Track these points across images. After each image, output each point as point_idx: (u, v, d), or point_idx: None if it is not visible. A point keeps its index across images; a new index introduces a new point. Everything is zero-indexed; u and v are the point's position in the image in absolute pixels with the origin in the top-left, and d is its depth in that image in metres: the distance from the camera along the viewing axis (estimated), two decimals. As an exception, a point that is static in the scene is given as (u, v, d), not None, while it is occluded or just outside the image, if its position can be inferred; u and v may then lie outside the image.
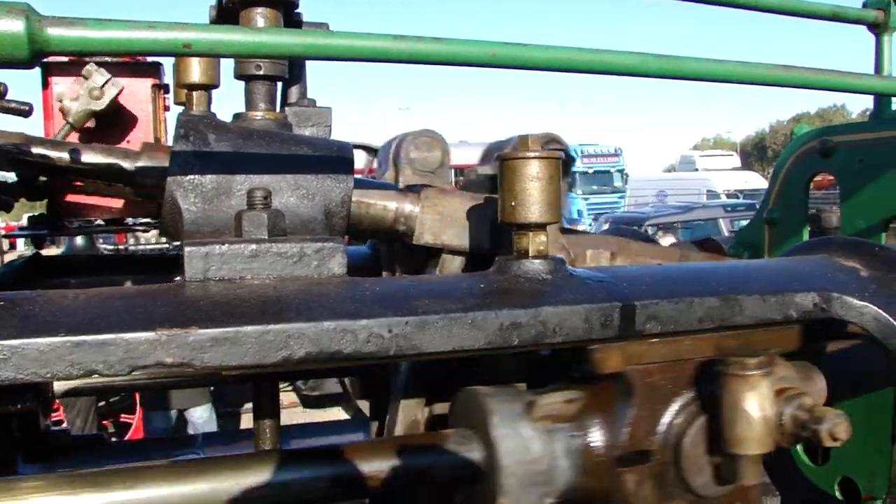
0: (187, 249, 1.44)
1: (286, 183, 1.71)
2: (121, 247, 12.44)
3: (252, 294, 1.38)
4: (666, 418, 1.63)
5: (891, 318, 1.75)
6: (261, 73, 1.87)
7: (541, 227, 1.56)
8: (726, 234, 20.04)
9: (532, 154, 1.54)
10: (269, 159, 1.72)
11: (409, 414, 2.04)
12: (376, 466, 1.50)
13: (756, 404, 1.50)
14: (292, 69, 2.19)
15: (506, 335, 1.40)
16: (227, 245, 1.45)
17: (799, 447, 3.79)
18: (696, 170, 52.09)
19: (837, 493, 3.52)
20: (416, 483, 1.57)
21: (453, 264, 1.99)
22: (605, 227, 20.70)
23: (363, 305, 1.36)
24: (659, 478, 1.63)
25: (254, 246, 1.46)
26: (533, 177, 1.54)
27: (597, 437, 1.61)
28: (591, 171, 41.21)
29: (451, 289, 1.46)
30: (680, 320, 1.55)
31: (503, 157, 1.57)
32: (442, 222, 1.97)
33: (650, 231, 21.04)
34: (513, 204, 1.55)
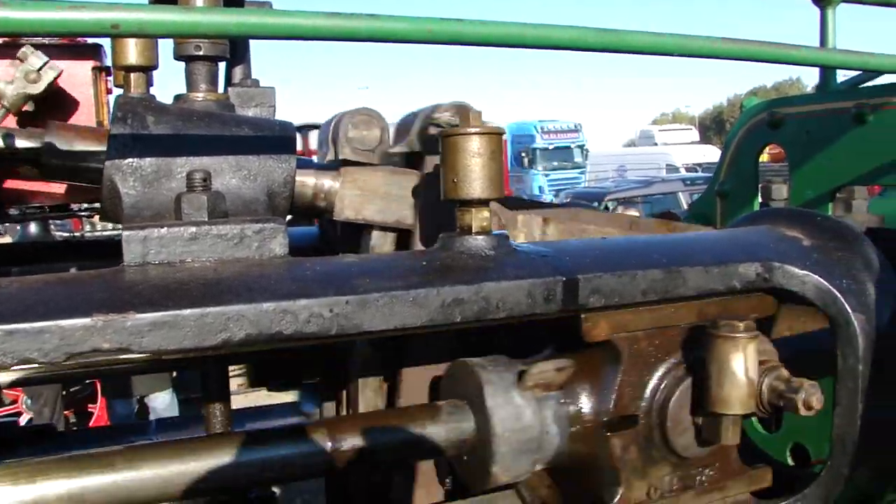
0: (125, 234, 1.42)
1: (227, 164, 1.70)
2: (77, 234, 12.25)
3: (191, 277, 1.36)
4: (652, 383, 1.69)
5: (831, 286, 1.78)
6: (200, 53, 1.84)
7: (483, 203, 1.56)
8: (685, 207, 20.19)
9: (473, 130, 1.54)
10: (209, 141, 1.70)
11: (370, 391, 2.04)
12: (371, 439, 1.53)
13: (742, 366, 1.55)
14: (235, 49, 2.16)
15: (448, 312, 1.40)
16: (165, 228, 1.43)
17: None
18: (656, 144, 52.36)
19: (789, 459, 3.60)
20: (413, 454, 1.63)
21: (385, 241, 1.99)
22: (567, 202, 20.74)
23: (304, 286, 1.35)
24: (645, 441, 1.68)
25: (193, 228, 1.44)
26: (474, 153, 1.53)
27: (585, 403, 1.66)
28: (551, 147, 41.29)
29: (392, 267, 1.46)
30: (623, 293, 1.56)
31: (444, 133, 1.56)
32: (362, 197, 1.95)
33: (611, 206, 21.15)
34: (454, 180, 1.54)
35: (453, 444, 1.59)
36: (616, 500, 1.65)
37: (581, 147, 42.78)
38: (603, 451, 1.64)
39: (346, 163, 1.98)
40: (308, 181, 1.92)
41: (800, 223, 1.96)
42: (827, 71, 3.50)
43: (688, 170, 35.94)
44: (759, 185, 4.33)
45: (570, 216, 2.19)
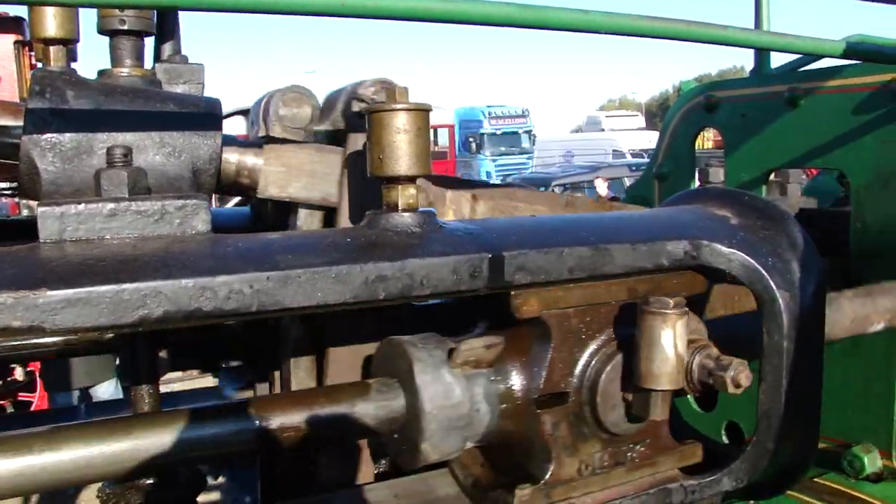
0: (41, 210, 1.38)
1: (151, 141, 1.66)
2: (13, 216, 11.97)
3: (109, 253, 1.33)
4: (582, 360, 1.70)
5: (756, 264, 1.81)
6: (125, 27, 1.80)
7: (410, 179, 1.55)
8: (631, 192, 20.41)
9: (399, 106, 1.53)
10: (132, 116, 1.66)
11: (302, 371, 2.02)
12: (299, 418, 1.52)
13: (671, 341, 1.57)
14: (164, 24, 2.12)
15: (371, 289, 1.39)
16: (83, 205, 1.39)
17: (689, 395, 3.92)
18: (603, 130, 52.88)
19: (724, 437, 3.66)
20: (342, 433, 1.61)
21: (313, 220, 1.97)
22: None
23: (224, 262, 1.33)
24: (575, 418, 1.70)
25: (112, 205, 1.41)
26: (400, 129, 1.52)
27: (515, 380, 1.67)
28: (498, 132, 41.47)
29: (316, 243, 1.44)
30: (550, 270, 1.57)
31: (370, 109, 1.55)
32: (287, 174, 1.93)
33: (557, 191, 21.30)
34: (380, 157, 1.53)
35: (383, 422, 1.58)
36: (547, 476, 1.66)
37: (528, 132, 43.02)
38: (533, 428, 1.65)
39: (271, 140, 1.95)
40: (231, 158, 1.89)
41: (729, 203, 1.99)
42: (761, 55, 3.55)
43: (634, 155, 36.39)
44: (697, 169, 4.39)
45: (504, 194, 2.19)
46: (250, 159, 1.90)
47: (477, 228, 1.57)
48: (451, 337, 1.68)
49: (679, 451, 1.86)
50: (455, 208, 2.06)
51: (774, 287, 1.80)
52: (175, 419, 1.51)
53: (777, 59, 3.63)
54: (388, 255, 1.42)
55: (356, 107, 1.92)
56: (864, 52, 2.27)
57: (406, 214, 1.54)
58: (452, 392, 1.58)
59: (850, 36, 3.12)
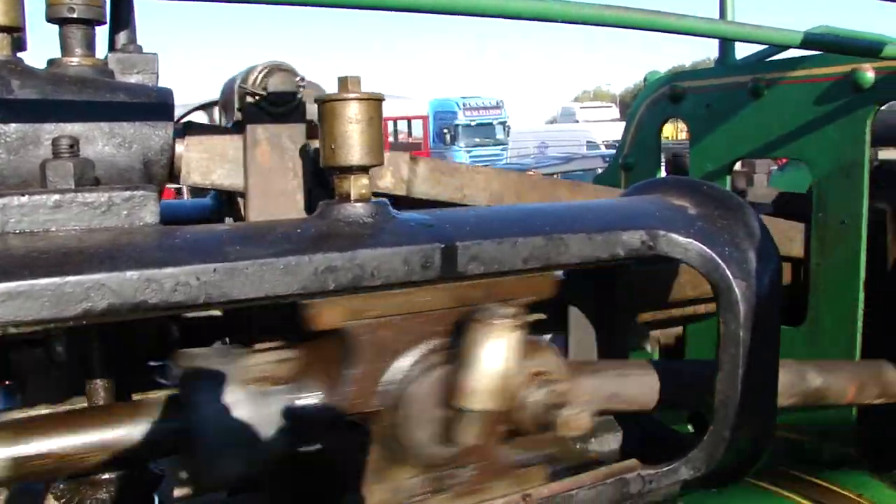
0: None
1: (100, 131, 1.64)
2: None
3: (53, 246, 1.31)
4: (394, 376, 1.59)
5: (713, 254, 1.81)
6: (74, 15, 1.77)
7: (363, 170, 1.54)
8: (604, 183, 20.47)
9: (351, 96, 1.51)
10: (81, 107, 1.63)
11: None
12: (58, 444, 1.42)
13: (497, 355, 1.48)
14: (118, 13, 2.08)
15: (321, 280, 1.37)
16: (27, 196, 1.37)
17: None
18: (577, 121, 52.93)
19: (689, 427, 3.68)
20: (113, 459, 1.48)
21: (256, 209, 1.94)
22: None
23: (171, 254, 1.31)
24: (384, 441, 1.59)
25: (57, 196, 1.38)
26: (352, 119, 1.50)
27: (314, 399, 1.56)
28: (473, 123, 41.41)
29: (266, 235, 1.42)
30: (504, 260, 1.56)
31: (321, 99, 1.53)
32: (210, 161, 1.89)
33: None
34: (332, 147, 1.51)
35: (163, 443, 1.49)
36: None
37: (503, 124, 42.99)
38: (339, 449, 1.57)
39: (191, 126, 1.92)
40: None
41: (687, 192, 1.99)
42: (726, 45, 3.55)
43: (608, 147, 36.43)
44: (665, 159, 4.40)
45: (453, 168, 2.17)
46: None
47: (431, 219, 1.56)
48: (248, 349, 1.59)
49: (517, 474, 1.77)
50: (393, 169, 2.03)
51: (731, 276, 1.81)
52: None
53: (744, 51, 3.64)
54: (339, 245, 1.41)
55: (245, 94, 1.88)
56: (822, 43, 2.28)
57: (359, 205, 1.52)
58: (236, 410, 1.48)
59: (814, 27, 3.13)
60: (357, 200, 1.53)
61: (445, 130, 41.16)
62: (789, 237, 3.14)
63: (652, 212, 1.88)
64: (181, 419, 1.48)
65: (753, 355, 1.83)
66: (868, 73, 2.83)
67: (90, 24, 1.81)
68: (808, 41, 2.14)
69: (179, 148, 1.88)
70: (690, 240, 1.81)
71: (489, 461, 1.71)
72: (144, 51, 2.00)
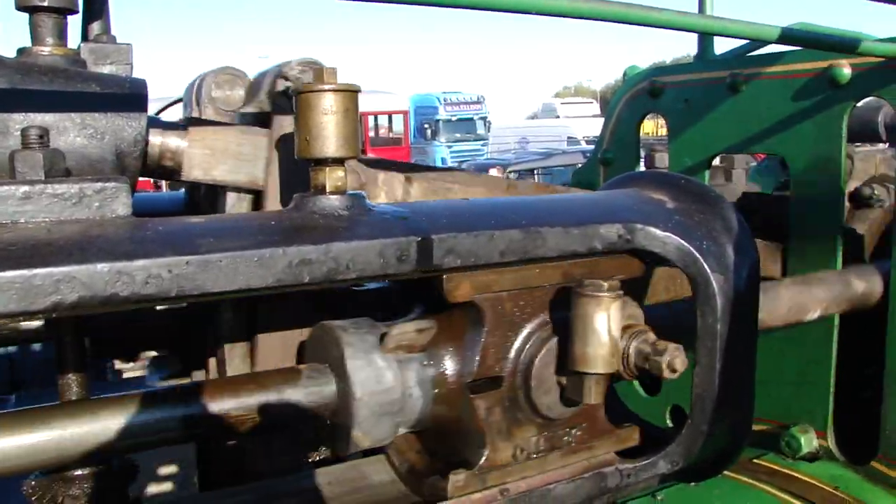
0: None
1: (72, 122, 1.61)
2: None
3: (21, 238, 1.28)
4: (516, 344, 1.69)
5: (691, 247, 1.81)
6: (44, 3, 1.74)
7: (338, 161, 1.52)
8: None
9: (327, 87, 1.50)
10: (51, 97, 1.61)
11: (237, 359, 1.99)
12: (226, 405, 1.50)
13: (605, 325, 1.57)
14: (91, 2, 2.06)
15: (296, 272, 1.36)
16: None
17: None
18: (558, 117, 53.14)
19: (668, 421, 3.70)
20: (274, 419, 1.56)
21: (241, 204, 1.93)
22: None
23: (143, 246, 1.29)
24: (509, 403, 1.69)
25: (26, 187, 1.35)
26: (327, 110, 1.49)
27: (448, 365, 1.66)
28: (454, 118, 41.47)
29: (240, 227, 1.41)
30: (480, 254, 1.55)
31: (297, 90, 1.52)
32: (213, 157, 1.88)
33: (512, 177, 21.37)
34: (307, 139, 1.50)
35: (314, 409, 1.56)
36: (482, 461, 1.65)
37: (484, 119, 43.08)
38: (467, 413, 1.64)
39: (196, 121, 1.91)
40: (154, 140, 1.84)
41: (665, 186, 1.99)
42: (705, 40, 3.56)
43: (588, 142, 36.56)
44: (644, 154, 4.41)
45: (440, 177, 2.17)
46: (174, 141, 1.85)
47: (406, 211, 1.55)
48: (386, 322, 1.66)
49: (616, 434, 1.87)
50: (387, 190, 2.04)
51: (708, 270, 1.81)
52: (99, 407, 1.47)
53: (724, 46, 3.65)
54: (313, 238, 1.39)
55: (281, 87, 1.88)
56: (799, 39, 2.29)
57: (333, 197, 1.51)
58: (384, 377, 1.56)
59: (793, 24, 3.14)
60: (332, 193, 1.51)
61: (426, 125, 41.20)
62: (773, 259, 3.17)
63: (629, 205, 1.88)
64: (337, 385, 1.57)
65: (731, 349, 1.83)
66: (845, 70, 2.84)
67: (62, 12, 1.78)
68: (785, 36, 2.15)
69: (182, 142, 1.87)
70: (668, 233, 1.81)
71: (594, 421, 1.84)
72: (119, 41, 1.97)
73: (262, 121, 1.96)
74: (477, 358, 1.64)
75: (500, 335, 1.67)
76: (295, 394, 1.56)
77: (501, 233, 1.58)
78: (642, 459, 1.89)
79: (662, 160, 4.16)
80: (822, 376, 3.03)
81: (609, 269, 1.80)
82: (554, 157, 24.68)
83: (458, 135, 40.97)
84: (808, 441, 3.04)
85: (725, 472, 2.92)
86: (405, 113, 40.93)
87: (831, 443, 3.05)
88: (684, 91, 3.52)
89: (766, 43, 2.41)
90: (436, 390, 1.65)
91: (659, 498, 2.76)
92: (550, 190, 2.81)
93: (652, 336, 1.71)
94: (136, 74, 1.89)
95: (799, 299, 2.66)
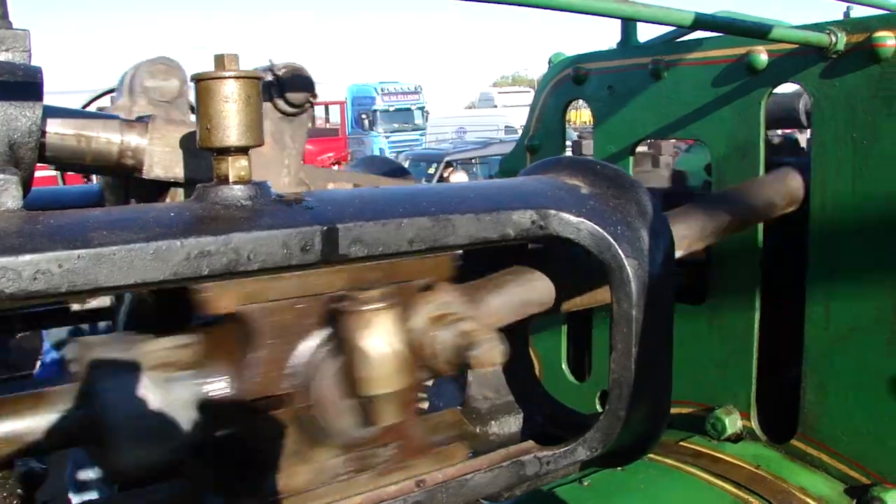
0: None
1: None
2: None
3: None
4: (298, 359, 1.56)
5: (605, 233, 1.80)
6: None
7: (241, 150, 1.48)
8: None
9: (227, 74, 1.45)
10: (-63, 85, 1.54)
11: None
12: None
13: (377, 341, 1.47)
14: (-15, -12, 1.97)
15: (194, 265, 1.31)
16: None
17: (564, 366, 3.97)
18: (496, 106, 53.23)
19: (598, 406, 3.73)
20: (15, 454, 1.40)
21: (181, 198, 1.89)
22: (406, 164, 20.84)
23: (31, 240, 1.23)
24: (302, 423, 1.57)
25: None
26: (228, 98, 1.45)
27: (223, 384, 1.51)
28: (391, 108, 41.33)
29: (137, 219, 1.36)
30: (388, 242, 1.52)
31: (196, 77, 1.47)
32: (173, 154, 1.85)
33: (450, 167, 21.39)
34: (208, 128, 1.45)
35: (70, 434, 1.41)
36: (277, 486, 1.54)
37: (422, 109, 43.03)
38: (255, 434, 1.54)
39: (156, 119, 1.87)
40: (113, 138, 1.79)
41: (581, 172, 1.98)
42: (628, 27, 3.58)
43: (525, 131, 36.67)
44: (571, 141, 4.43)
45: (374, 181, 2.15)
46: (134, 139, 1.81)
47: (313, 200, 1.51)
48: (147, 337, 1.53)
49: (438, 452, 1.77)
50: None
51: (623, 255, 1.80)
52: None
53: (650, 33, 3.67)
54: (213, 229, 1.35)
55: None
56: (713, 24, 2.31)
57: (237, 187, 1.47)
58: (143, 397, 1.42)
59: (715, 11, 3.17)
60: (236, 182, 1.47)
61: (364, 116, 41.00)
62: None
63: (544, 191, 1.86)
64: (89, 408, 1.41)
65: (646, 334, 1.83)
66: (761, 56, 2.88)
67: (-49, -4, 1.71)
68: (700, 22, 2.16)
69: (143, 140, 1.82)
70: (582, 219, 1.80)
71: (410, 438, 1.72)
72: (15, 27, 1.90)
73: None
74: (255, 374, 1.50)
75: (278, 349, 1.53)
76: (44, 419, 1.40)
77: (410, 220, 1.55)
78: (562, 446, 1.88)
79: (589, 147, 4.18)
80: (745, 359, 3.08)
81: (412, 272, 1.68)
82: (492, 146, 24.67)
83: (395, 125, 40.84)
84: (733, 422, 3.10)
85: (652, 456, 2.96)
86: (342, 103, 40.66)
87: (754, 423, 3.11)
88: (608, 78, 3.54)
89: (682, 28, 2.43)
90: (210, 411, 1.48)
91: (586, 483, 2.77)
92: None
93: (468, 325, 1.60)
94: (57, 65, 1.82)
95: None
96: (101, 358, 1.44)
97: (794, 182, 2.94)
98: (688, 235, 2.59)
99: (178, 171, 1.87)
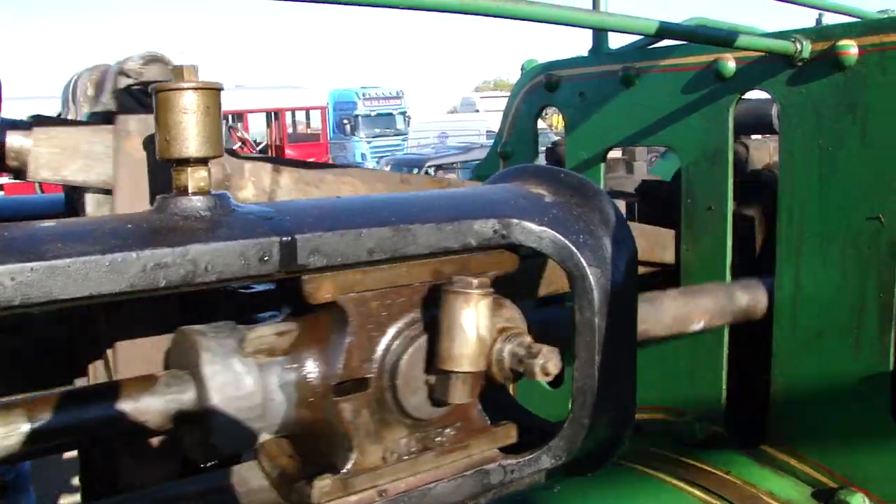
0: None
1: None
2: None
3: None
4: (382, 344, 1.66)
5: (567, 241, 1.81)
6: None
7: (201, 161, 1.48)
8: (502, 172, 20.67)
9: (187, 85, 1.45)
10: None
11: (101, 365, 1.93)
12: (72, 416, 1.43)
13: (473, 322, 1.56)
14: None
15: (151, 276, 1.31)
16: None
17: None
18: (477, 111, 53.28)
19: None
20: (128, 430, 1.49)
21: (102, 206, 1.86)
22: (388, 169, 20.83)
23: (-18, 253, 1.23)
24: (377, 405, 1.66)
25: None
26: (187, 109, 1.45)
27: (312, 368, 1.62)
28: (373, 113, 41.34)
29: (92, 231, 1.35)
30: (347, 253, 1.53)
31: (157, 88, 1.47)
32: (62, 155, 1.80)
33: (431, 172, 21.38)
34: (167, 139, 1.45)
35: (173, 416, 1.51)
36: (349, 466, 1.63)
37: (403, 114, 43.08)
38: (333, 416, 1.61)
39: (43, 119, 1.83)
40: None
41: (545, 180, 1.99)
42: (599, 35, 3.60)
43: (507, 136, 36.73)
44: (545, 147, 4.44)
45: (335, 172, 2.13)
46: (17, 140, 1.77)
47: (271, 211, 1.52)
48: (247, 325, 1.62)
49: (492, 432, 1.86)
50: (255, 180, 1.99)
51: (585, 264, 1.81)
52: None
53: (623, 40, 3.69)
54: (170, 240, 1.35)
55: (123, 83, 1.82)
56: (678, 33, 2.33)
57: (196, 198, 1.47)
58: (242, 382, 1.52)
59: (687, 19, 3.19)
60: (195, 193, 1.47)
61: (345, 121, 40.99)
62: (662, 245, 3.22)
63: (507, 200, 1.87)
64: (195, 392, 1.51)
65: (609, 342, 1.84)
66: (729, 63, 2.91)
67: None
68: (663, 30, 2.18)
69: (27, 141, 1.78)
70: (544, 228, 1.81)
71: (468, 421, 1.82)
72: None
73: (109, 120, 1.89)
74: (341, 360, 1.61)
75: (365, 336, 1.64)
76: (151, 402, 1.50)
77: (369, 231, 1.55)
78: (527, 454, 1.89)
79: (563, 153, 4.19)
80: (715, 365, 3.10)
81: (481, 265, 1.79)
82: (473, 150, 24.79)
83: (377, 130, 40.87)
84: (703, 428, 3.11)
85: (622, 462, 2.97)
86: (323, 108, 40.60)
87: (724, 429, 3.13)
88: (579, 85, 3.55)
89: (647, 36, 2.44)
90: (299, 394, 1.61)
91: (556, 490, 2.78)
92: (444, 184, 2.81)
93: (528, 339, 1.70)
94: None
95: (683, 310, 2.73)
96: (206, 344, 1.53)
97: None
98: (709, 311, 2.79)
99: (66, 173, 1.82)
